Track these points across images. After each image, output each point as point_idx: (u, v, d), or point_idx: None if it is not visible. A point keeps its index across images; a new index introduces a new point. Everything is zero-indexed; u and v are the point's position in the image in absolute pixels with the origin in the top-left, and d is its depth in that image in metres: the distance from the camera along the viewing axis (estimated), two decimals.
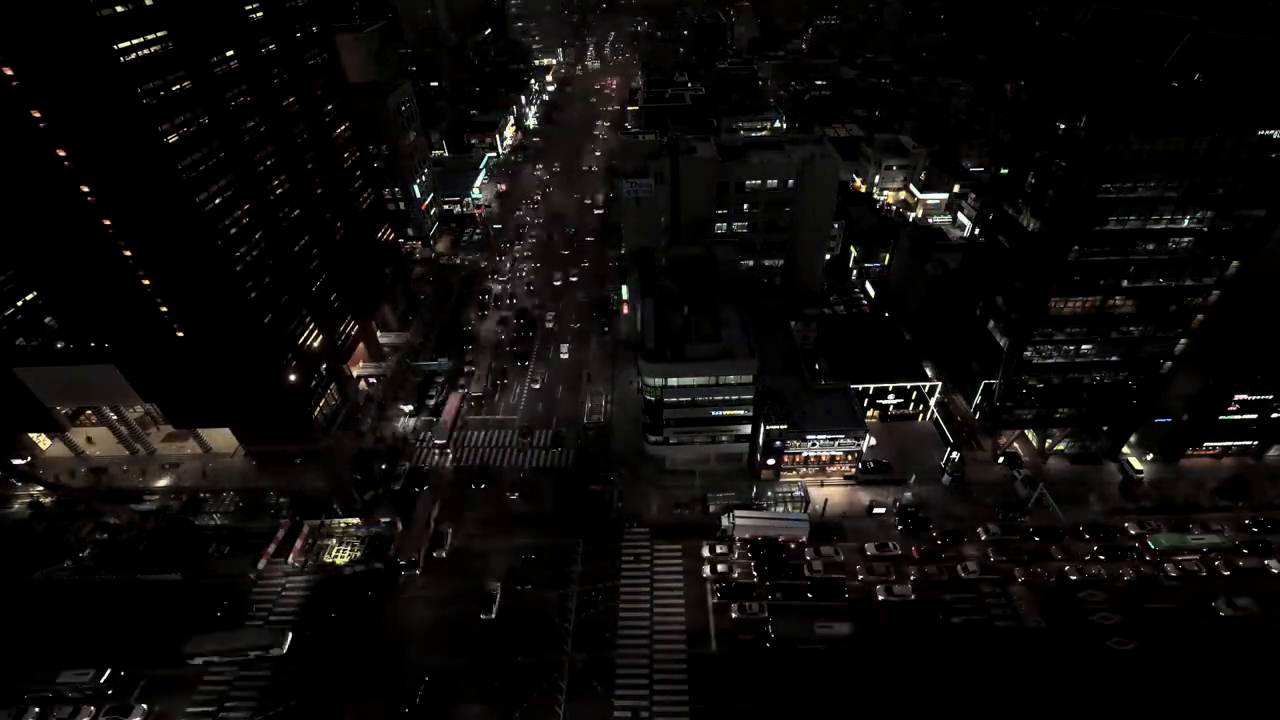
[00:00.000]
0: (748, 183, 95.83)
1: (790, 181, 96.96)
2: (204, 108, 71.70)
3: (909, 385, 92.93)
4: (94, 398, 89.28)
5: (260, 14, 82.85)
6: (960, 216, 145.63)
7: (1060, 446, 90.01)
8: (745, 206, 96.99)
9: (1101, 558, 76.55)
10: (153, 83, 64.60)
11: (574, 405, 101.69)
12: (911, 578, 74.85)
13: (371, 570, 76.75)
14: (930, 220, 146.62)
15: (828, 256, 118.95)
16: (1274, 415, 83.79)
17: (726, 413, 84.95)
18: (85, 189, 67.57)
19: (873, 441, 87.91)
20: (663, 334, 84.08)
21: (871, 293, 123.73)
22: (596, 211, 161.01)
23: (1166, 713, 62.45)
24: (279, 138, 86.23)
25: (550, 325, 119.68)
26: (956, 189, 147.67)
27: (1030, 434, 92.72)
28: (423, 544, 78.13)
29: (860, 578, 75.04)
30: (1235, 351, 78.66)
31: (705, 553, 77.92)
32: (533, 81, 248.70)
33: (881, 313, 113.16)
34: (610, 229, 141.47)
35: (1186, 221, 70.18)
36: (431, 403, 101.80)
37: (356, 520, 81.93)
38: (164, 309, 77.02)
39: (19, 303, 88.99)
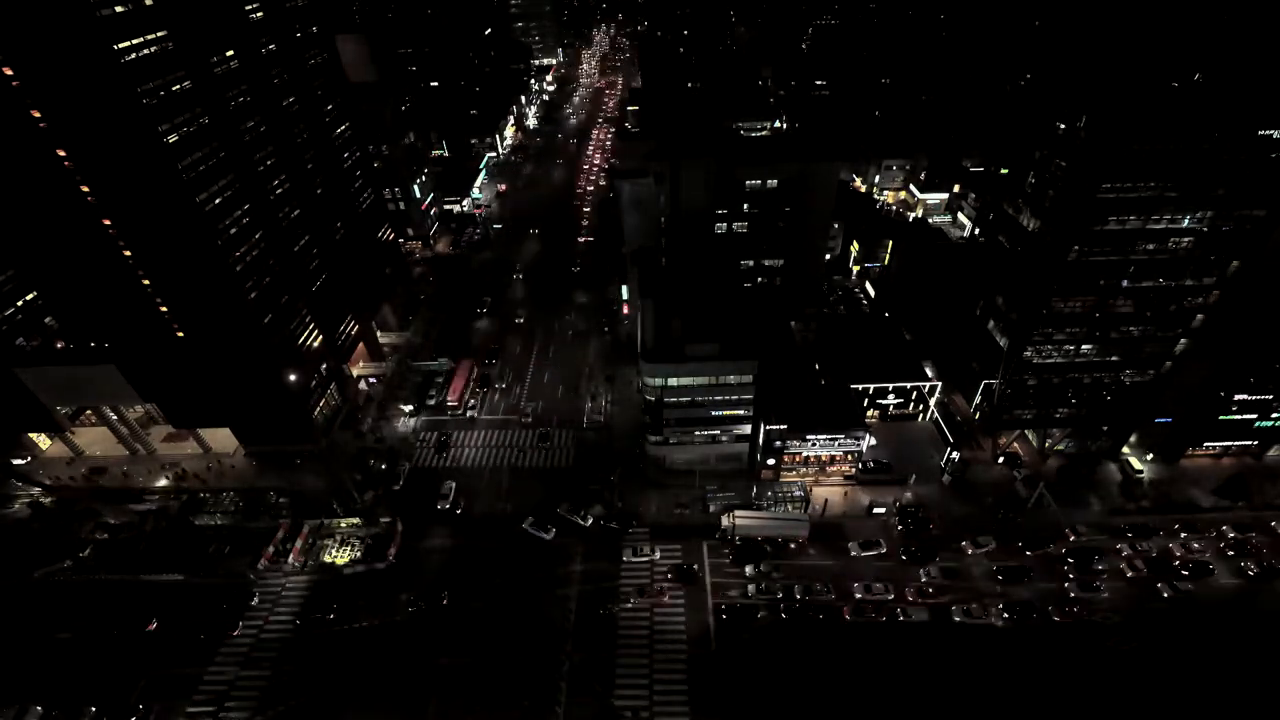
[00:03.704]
0: (747, 183, 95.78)
1: (790, 182, 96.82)
2: (204, 108, 71.70)
3: (909, 385, 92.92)
4: (94, 398, 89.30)
5: (260, 14, 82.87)
6: (960, 216, 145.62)
7: (1060, 446, 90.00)
8: (745, 206, 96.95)
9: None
10: (153, 83, 64.62)
11: (574, 405, 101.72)
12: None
13: (372, 571, 76.84)
14: (930, 220, 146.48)
15: (828, 256, 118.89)
16: (1275, 415, 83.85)
17: (726, 413, 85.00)
18: (85, 189, 67.54)
19: (873, 441, 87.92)
20: (663, 334, 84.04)
21: (871, 293, 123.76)
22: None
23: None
24: (279, 138, 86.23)
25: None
26: (956, 189, 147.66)
27: (1030, 434, 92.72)
28: None
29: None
30: (1235, 351, 78.67)
31: None
32: (533, 81, 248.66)
33: (881, 313, 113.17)
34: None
35: (1186, 221, 70.19)
36: (432, 402, 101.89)
37: (356, 520, 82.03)
38: (164, 309, 77.02)
39: (19, 303, 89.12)
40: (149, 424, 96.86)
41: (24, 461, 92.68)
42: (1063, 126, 72.92)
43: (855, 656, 67.20)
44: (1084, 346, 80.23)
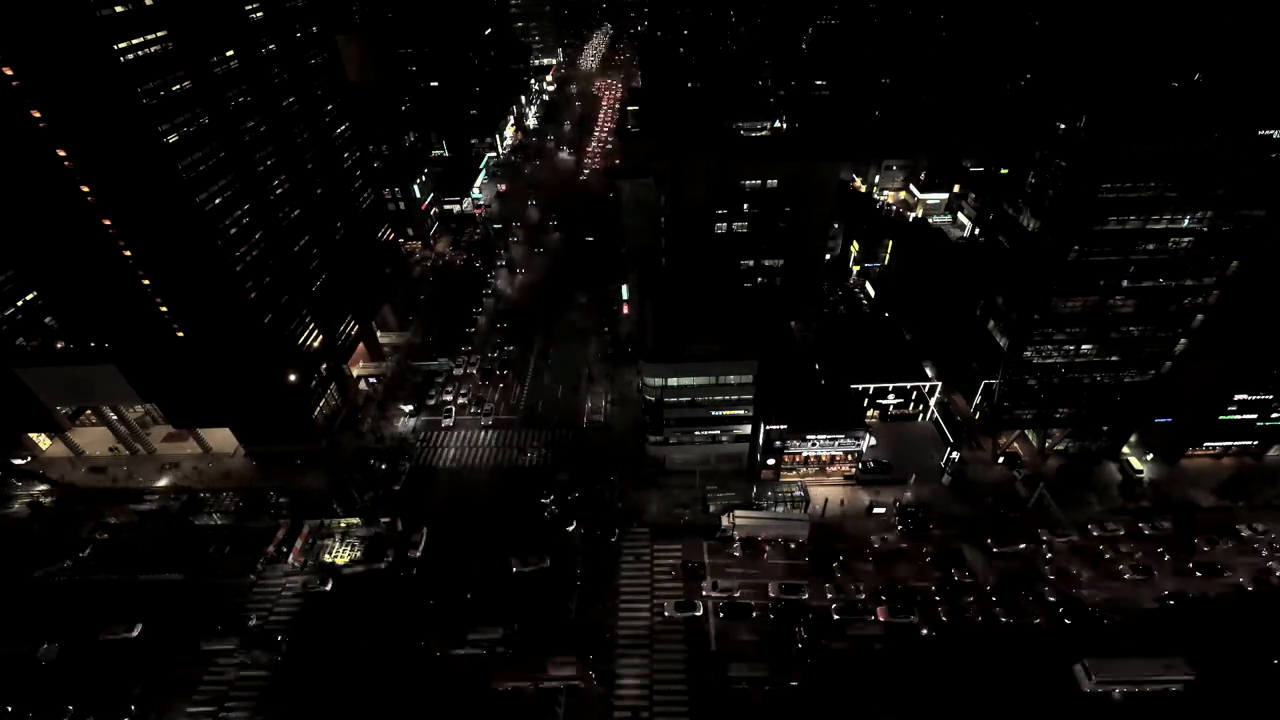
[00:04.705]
0: (747, 183, 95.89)
1: (790, 182, 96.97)
2: (204, 108, 71.72)
3: (909, 385, 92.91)
4: (94, 398, 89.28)
5: (260, 14, 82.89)
6: (960, 216, 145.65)
7: (1060, 446, 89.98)
8: (745, 206, 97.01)
9: None
10: (153, 83, 64.63)
11: (574, 405, 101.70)
12: None
13: (371, 571, 76.81)
14: (930, 220, 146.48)
15: (828, 256, 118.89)
16: (1274, 415, 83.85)
17: (726, 413, 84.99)
18: (85, 189, 67.55)
19: (873, 441, 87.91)
20: (663, 334, 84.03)
21: (871, 293, 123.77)
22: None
23: None
24: (279, 138, 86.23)
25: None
26: (956, 189, 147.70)
27: (1030, 434, 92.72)
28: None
29: None
30: (1235, 351, 78.68)
31: None
32: (533, 81, 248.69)
33: (881, 313, 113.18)
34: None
35: (1186, 221, 70.21)
36: (431, 402, 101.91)
37: (356, 520, 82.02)
38: (164, 309, 77.02)
39: (19, 303, 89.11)
40: (149, 424, 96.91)
41: (24, 461, 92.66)
42: (1063, 126, 72.95)
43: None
44: (1084, 346, 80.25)
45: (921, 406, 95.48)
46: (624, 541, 79.83)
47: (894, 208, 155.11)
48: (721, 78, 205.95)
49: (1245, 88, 63.79)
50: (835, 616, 70.54)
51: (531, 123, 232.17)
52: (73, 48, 59.23)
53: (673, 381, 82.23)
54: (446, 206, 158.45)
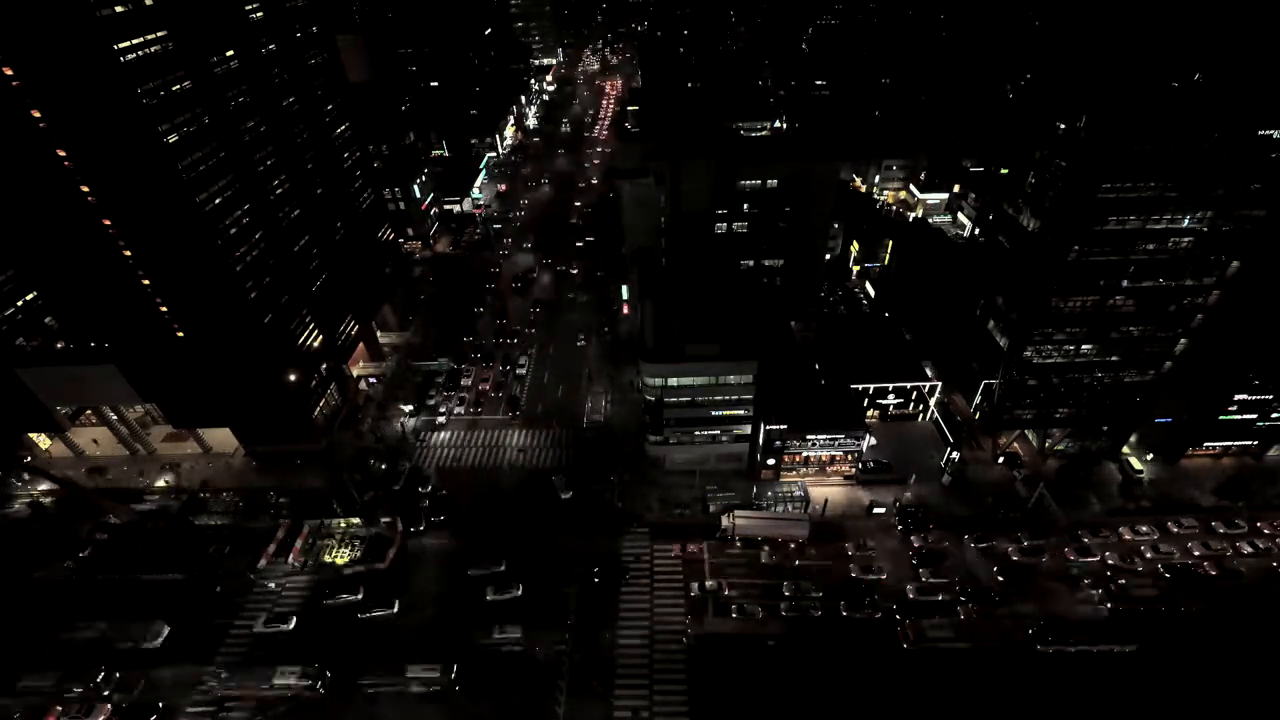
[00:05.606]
0: (747, 183, 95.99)
1: (790, 182, 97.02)
2: (204, 108, 71.71)
3: (909, 385, 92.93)
4: (94, 398, 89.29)
5: (260, 14, 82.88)
6: (960, 216, 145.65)
7: (1060, 446, 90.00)
8: (745, 206, 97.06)
9: None
10: (153, 83, 64.62)
11: (574, 405, 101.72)
12: None
13: (372, 570, 76.80)
14: (930, 220, 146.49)
15: (828, 256, 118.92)
16: (1274, 415, 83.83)
17: (726, 413, 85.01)
18: (85, 189, 67.54)
19: (873, 441, 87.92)
20: (663, 334, 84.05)
21: (871, 293, 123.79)
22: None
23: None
24: (279, 138, 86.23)
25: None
26: (956, 189, 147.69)
27: (1030, 434, 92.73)
28: None
29: None
30: (1235, 351, 78.67)
31: None
32: (533, 81, 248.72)
33: (881, 313, 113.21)
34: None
35: (1186, 221, 70.22)
36: (431, 403, 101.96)
37: (357, 520, 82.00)
38: (164, 309, 76.99)
39: (19, 303, 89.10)
40: (149, 424, 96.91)
41: (25, 461, 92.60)
42: (1063, 126, 72.92)
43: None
44: (1084, 346, 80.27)
45: (921, 406, 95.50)
46: (624, 542, 79.88)
47: (894, 208, 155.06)
48: (721, 78, 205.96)
49: (1245, 88, 63.84)
50: None
51: (531, 123, 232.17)
52: (73, 48, 59.19)
53: (673, 381, 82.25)
54: (446, 206, 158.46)
